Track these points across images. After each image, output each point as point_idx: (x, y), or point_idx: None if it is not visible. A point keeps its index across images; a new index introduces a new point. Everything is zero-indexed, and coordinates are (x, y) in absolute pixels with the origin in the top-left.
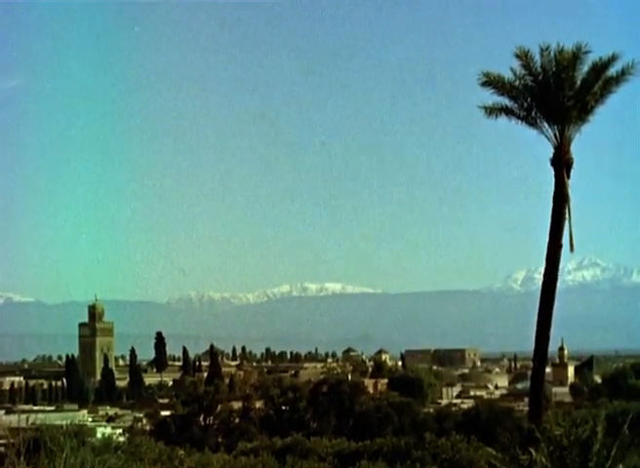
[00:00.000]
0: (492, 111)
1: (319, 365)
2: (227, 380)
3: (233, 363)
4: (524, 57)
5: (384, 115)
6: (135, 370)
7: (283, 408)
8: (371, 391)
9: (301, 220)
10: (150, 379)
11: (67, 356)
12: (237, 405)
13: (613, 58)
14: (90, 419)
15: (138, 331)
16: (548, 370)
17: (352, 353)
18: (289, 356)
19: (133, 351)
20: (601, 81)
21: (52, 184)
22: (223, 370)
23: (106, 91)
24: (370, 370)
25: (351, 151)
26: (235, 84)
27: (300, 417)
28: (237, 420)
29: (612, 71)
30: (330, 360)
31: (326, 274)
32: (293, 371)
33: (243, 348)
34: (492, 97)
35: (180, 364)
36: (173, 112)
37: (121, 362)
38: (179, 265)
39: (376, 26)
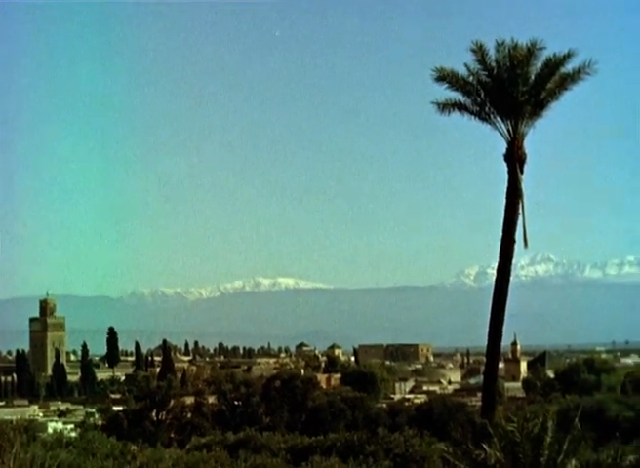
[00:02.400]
0: (444, 107)
1: (272, 360)
2: (180, 375)
3: (186, 358)
4: (478, 51)
5: (339, 112)
6: (86, 365)
7: (236, 403)
8: (324, 386)
9: (254, 215)
10: (102, 374)
11: (18, 351)
12: (190, 400)
13: (568, 55)
14: (41, 414)
15: (90, 326)
16: (501, 365)
17: (305, 348)
18: (242, 351)
19: (84, 346)
20: (556, 77)
21: (3, 179)
22: (176, 365)
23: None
24: (323, 365)
25: (305, 147)
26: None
27: (252, 412)
28: (190, 415)
29: (568, 68)
30: (283, 355)
31: (279, 269)
32: (245, 367)
33: (196, 343)
34: (445, 93)
35: (133, 359)
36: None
37: (73, 357)
38: (132, 260)
39: (335, 23)
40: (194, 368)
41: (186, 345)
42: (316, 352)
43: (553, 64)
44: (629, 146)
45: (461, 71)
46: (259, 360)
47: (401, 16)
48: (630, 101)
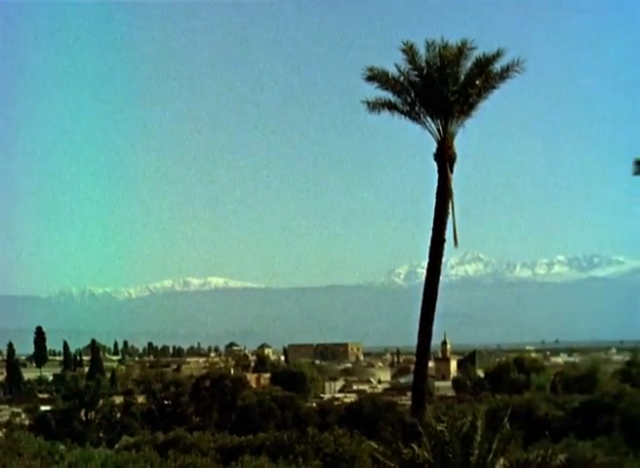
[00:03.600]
0: (374, 106)
1: (202, 359)
2: (109, 375)
3: (115, 357)
4: (409, 51)
5: (267, 110)
6: (13, 364)
7: (165, 402)
8: (253, 385)
9: (183, 215)
10: (30, 374)
11: None
12: (119, 399)
13: (498, 55)
14: None
15: (17, 325)
16: (431, 364)
17: (235, 347)
18: (171, 350)
19: (10, 345)
20: (484, 76)
21: None
22: (105, 364)
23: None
24: (252, 364)
25: (232, 148)
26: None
27: (182, 412)
28: (119, 415)
29: (496, 67)
30: (212, 354)
31: (209, 268)
32: (175, 366)
33: (125, 343)
34: (376, 92)
35: (61, 359)
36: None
37: None
38: (61, 259)
39: (263, 22)
40: (123, 367)
41: (115, 345)
42: (246, 351)
43: (482, 64)
44: (559, 146)
45: (392, 71)
46: (188, 359)
47: (333, 15)
48: (559, 101)
